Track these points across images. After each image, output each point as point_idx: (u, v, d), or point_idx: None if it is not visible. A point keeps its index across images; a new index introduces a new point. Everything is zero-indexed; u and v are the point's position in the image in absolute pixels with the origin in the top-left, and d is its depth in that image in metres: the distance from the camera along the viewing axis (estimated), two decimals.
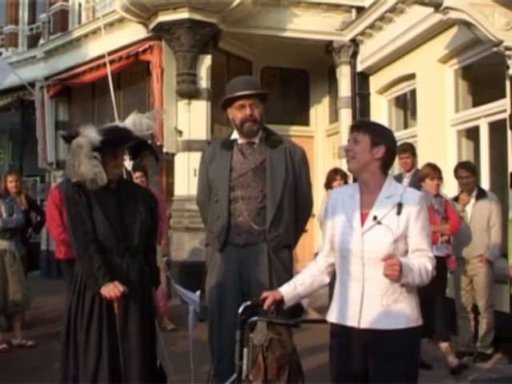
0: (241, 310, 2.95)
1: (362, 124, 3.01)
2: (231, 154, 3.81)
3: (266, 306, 2.84)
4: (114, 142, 3.51)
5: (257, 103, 3.77)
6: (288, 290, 2.91)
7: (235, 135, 3.87)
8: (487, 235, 5.82)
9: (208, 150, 4.13)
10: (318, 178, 10.94)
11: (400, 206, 2.67)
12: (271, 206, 3.71)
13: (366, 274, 2.70)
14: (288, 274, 3.71)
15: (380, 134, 2.81)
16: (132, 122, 3.64)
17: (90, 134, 3.43)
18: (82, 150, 3.39)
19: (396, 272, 2.53)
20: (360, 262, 2.70)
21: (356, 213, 2.78)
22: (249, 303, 2.98)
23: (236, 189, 3.75)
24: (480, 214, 5.87)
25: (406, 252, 2.71)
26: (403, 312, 2.70)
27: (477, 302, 5.95)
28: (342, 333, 2.78)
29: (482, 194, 5.99)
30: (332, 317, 2.84)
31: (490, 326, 5.85)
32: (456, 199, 6.10)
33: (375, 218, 2.69)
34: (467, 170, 5.96)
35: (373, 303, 2.69)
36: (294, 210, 3.81)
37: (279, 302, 2.87)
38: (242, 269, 3.71)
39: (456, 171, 6.06)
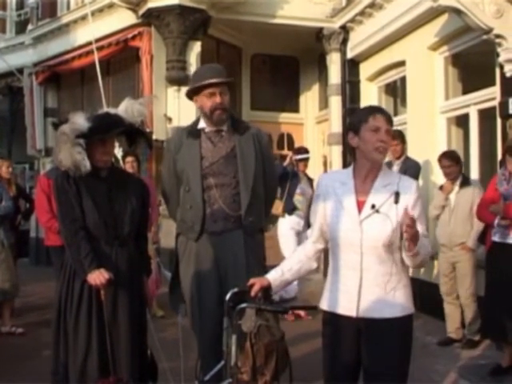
0: (228, 296, 2.95)
1: (386, 112, 2.79)
2: (199, 143, 3.78)
3: (253, 293, 2.84)
4: (102, 129, 3.49)
5: (225, 91, 3.77)
6: (275, 277, 2.90)
7: (202, 124, 3.84)
8: (469, 223, 5.81)
9: (173, 139, 4.02)
10: None
11: (397, 194, 2.63)
12: (245, 192, 3.71)
13: (364, 263, 2.68)
14: (262, 256, 3.82)
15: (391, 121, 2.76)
16: (124, 108, 3.62)
17: (77, 121, 3.41)
18: (64, 137, 3.38)
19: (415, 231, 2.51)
20: (358, 251, 2.68)
21: (352, 200, 2.74)
22: (236, 290, 2.99)
23: (208, 177, 3.72)
24: (463, 202, 5.87)
25: (400, 238, 2.68)
26: (400, 301, 2.71)
27: (458, 288, 5.98)
28: (335, 321, 2.78)
29: (465, 182, 5.99)
30: (325, 305, 2.83)
31: (476, 313, 5.86)
32: (441, 188, 6.11)
33: (373, 206, 2.67)
34: (450, 160, 5.95)
35: (371, 293, 2.68)
36: (264, 194, 3.85)
37: (266, 289, 2.87)
38: (220, 256, 3.70)
39: (439, 160, 6.06)
